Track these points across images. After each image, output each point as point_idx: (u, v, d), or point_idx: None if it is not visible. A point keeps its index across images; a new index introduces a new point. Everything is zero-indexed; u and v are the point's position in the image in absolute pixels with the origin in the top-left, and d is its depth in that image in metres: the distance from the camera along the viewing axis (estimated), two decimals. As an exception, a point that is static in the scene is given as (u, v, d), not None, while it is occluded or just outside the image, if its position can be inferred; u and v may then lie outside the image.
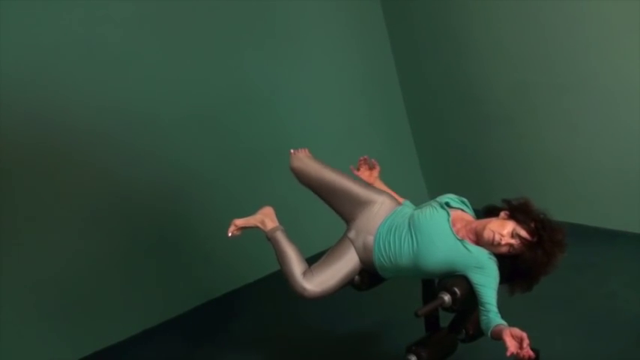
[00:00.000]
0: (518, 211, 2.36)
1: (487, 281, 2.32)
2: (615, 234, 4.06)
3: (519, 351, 2.08)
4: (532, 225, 2.33)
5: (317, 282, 2.48)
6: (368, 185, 2.65)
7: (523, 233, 2.32)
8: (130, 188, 3.94)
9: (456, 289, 2.31)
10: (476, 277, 2.32)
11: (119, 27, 3.82)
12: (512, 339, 2.12)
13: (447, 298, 2.32)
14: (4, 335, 3.49)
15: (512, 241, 2.31)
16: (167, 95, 4.02)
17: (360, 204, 2.58)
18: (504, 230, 2.32)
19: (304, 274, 2.51)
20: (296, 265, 2.53)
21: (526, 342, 2.10)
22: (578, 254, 3.86)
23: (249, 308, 4.08)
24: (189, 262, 4.17)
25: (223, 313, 4.07)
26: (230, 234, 2.73)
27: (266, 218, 2.70)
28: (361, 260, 2.57)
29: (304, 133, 4.61)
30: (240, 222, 2.74)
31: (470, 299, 2.33)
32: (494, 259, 2.35)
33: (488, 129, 4.67)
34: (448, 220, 2.41)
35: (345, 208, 2.61)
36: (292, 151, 2.75)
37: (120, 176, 3.90)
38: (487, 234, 2.34)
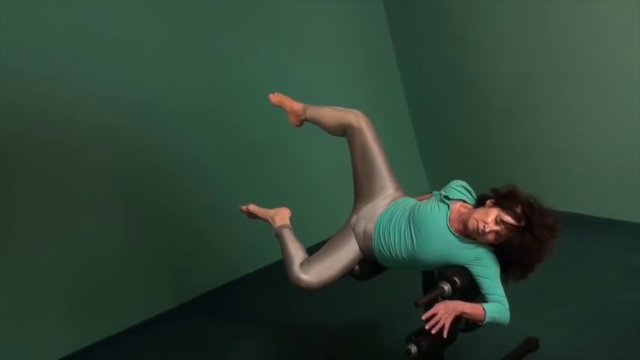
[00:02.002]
0: (504, 198, 2.31)
1: (487, 272, 2.31)
2: (615, 224, 4.06)
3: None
4: (519, 210, 2.26)
5: (314, 273, 2.47)
6: (393, 173, 2.62)
7: (507, 218, 2.25)
8: (130, 179, 3.93)
9: (456, 279, 2.31)
10: (475, 270, 2.32)
11: (119, 18, 3.80)
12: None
13: (447, 287, 2.32)
14: (4, 331, 3.50)
15: (497, 227, 2.25)
16: (167, 86, 4.01)
17: (375, 182, 2.57)
18: (488, 218, 2.26)
19: (302, 264, 2.50)
20: (296, 256, 2.53)
21: (436, 310, 2.21)
22: (577, 244, 3.87)
23: (248, 299, 4.08)
24: (189, 253, 4.17)
25: (222, 304, 4.07)
26: (240, 208, 2.88)
27: (277, 216, 2.73)
28: (361, 249, 2.56)
29: (304, 125, 4.59)
30: (253, 208, 2.84)
31: (470, 289, 2.32)
32: (492, 248, 2.34)
33: (489, 119, 4.67)
34: (447, 214, 2.39)
35: (363, 178, 2.59)
36: (272, 95, 2.92)
37: (119, 167, 3.89)
38: (471, 223, 2.29)
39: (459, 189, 2.48)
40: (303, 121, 2.86)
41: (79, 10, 3.66)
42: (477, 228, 2.27)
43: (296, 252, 2.56)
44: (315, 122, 2.79)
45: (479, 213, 2.31)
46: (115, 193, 3.89)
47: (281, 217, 2.72)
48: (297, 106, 2.85)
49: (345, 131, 2.64)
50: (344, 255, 2.54)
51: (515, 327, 2.58)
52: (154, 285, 4.03)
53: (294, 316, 3.78)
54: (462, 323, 2.39)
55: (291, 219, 2.73)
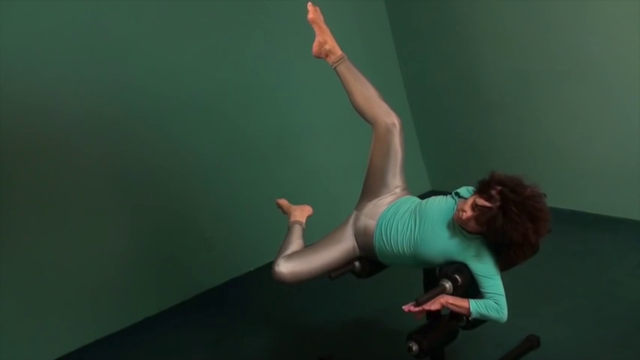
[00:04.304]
0: (484, 184, 2.29)
1: (484, 269, 2.31)
2: (616, 221, 4.06)
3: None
4: (494, 191, 2.23)
5: (289, 266, 2.49)
6: (404, 176, 2.62)
7: (480, 201, 2.23)
8: (131, 177, 3.93)
9: (457, 277, 2.31)
10: (475, 266, 2.32)
11: (121, 16, 3.80)
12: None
13: (448, 285, 2.32)
14: (5, 329, 3.50)
15: (472, 212, 2.24)
16: (169, 85, 4.00)
17: (387, 182, 2.56)
18: (466, 205, 2.27)
19: (286, 256, 2.53)
20: (287, 249, 2.58)
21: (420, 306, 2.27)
22: (578, 241, 3.88)
23: (250, 297, 4.08)
24: (190, 251, 4.17)
25: (224, 301, 4.07)
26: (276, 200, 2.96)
27: (297, 211, 2.80)
28: (360, 246, 2.57)
29: (305, 122, 4.60)
30: (282, 202, 2.95)
31: (471, 287, 2.32)
32: (492, 246, 2.34)
33: (490, 117, 4.66)
34: (453, 209, 2.38)
35: (376, 175, 2.57)
36: (311, 6, 2.73)
37: (120, 165, 3.89)
38: (455, 215, 2.31)
39: (470, 191, 2.46)
40: (323, 59, 2.67)
41: (80, 9, 3.65)
42: (459, 217, 2.29)
43: (291, 245, 2.59)
44: (341, 80, 2.62)
45: (461, 203, 2.33)
46: (117, 192, 3.90)
47: (299, 213, 2.79)
48: (332, 45, 2.66)
49: (373, 123, 2.56)
50: (328, 253, 2.55)
51: (516, 325, 2.59)
52: (156, 283, 4.03)
53: (296, 313, 3.78)
54: (463, 321, 2.40)
55: (309, 218, 2.77)
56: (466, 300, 2.30)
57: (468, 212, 2.25)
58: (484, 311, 2.30)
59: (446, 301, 2.30)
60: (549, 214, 2.25)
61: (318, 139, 4.67)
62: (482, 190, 2.28)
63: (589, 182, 4.23)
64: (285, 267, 2.49)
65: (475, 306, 2.29)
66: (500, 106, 4.56)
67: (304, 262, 2.52)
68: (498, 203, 2.21)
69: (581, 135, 4.18)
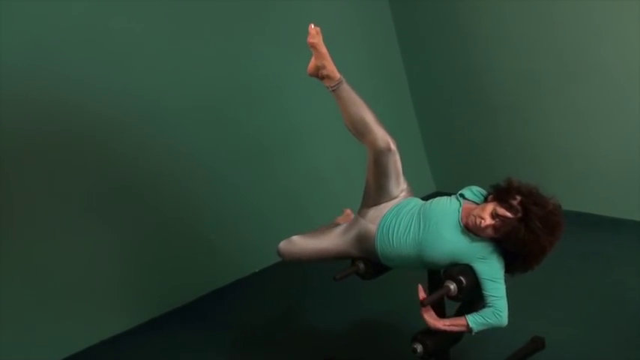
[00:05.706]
0: (502, 191, 2.30)
1: (489, 272, 2.31)
2: (621, 222, 4.06)
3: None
4: (516, 202, 2.25)
5: (292, 240, 2.69)
6: (405, 178, 2.62)
7: (501, 211, 2.24)
8: (133, 178, 3.93)
9: (462, 278, 2.31)
10: (480, 268, 2.32)
11: (124, 16, 3.80)
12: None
13: (452, 287, 2.32)
14: (7, 331, 3.51)
15: (492, 221, 2.25)
16: (171, 86, 4.01)
17: (384, 195, 2.55)
18: (484, 213, 2.27)
19: (296, 234, 2.71)
20: (307, 231, 2.73)
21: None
22: (583, 243, 3.87)
23: (253, 299, 4.08)
24: (195, 252, 4.17)
25: (229, 303, 4.08)
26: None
27: (344, 215, 3.01)
28: (361, 249, 2.57)
29: (308, 124, 4.60)
30: (345, 210, 3.09)
31: (476, 289, 2.32)
32: (499, 249, 2.34)
33: (495, 118, 4.66)
34: (459, 211, 2.39)
35: (373, 188, 2.57)
36: (313, 28, 2.54)
37: (123, 166, 3.88)
38: (471, 220, 2.31)
39: (475, 192, 2.48)
40: (320, 79, 2.60)
41: (83, 8, 3.65)
42: (475, 224, 2.28)
43: (311, 232, 2.74)
44: (337, 103, 2.58)
45: (477, 209, 2.33)
46: (118, 192, 3.89)
47: (343, 217, 2.99)
48: (330, 70, 2.56)
49: (367, 146, 2.54)
50: (324, 242, 2.66)
51: (521, 326, 2.59)
52: (160, 283, 4.03)
53: (299, 314, 3.78)
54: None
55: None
56: (462, 317, 2.32)
57: (487, 220, 2.26)
58: (483, 321, 2.32)
59: (442, 324, 2.33)
60: (565, 226, 2.28)
61: (322, 140, 4.67)
62: (501, 198, 2.28)
63: (594, 183, 4.23)
64: (286, 241, 2.70)
65: (473, 320, 2.31)
66: (505, 106, 4.56)
67: (302, 242, 2.68)
68: (519, 214, 2.23)
69: (586, 136, 4.18)
